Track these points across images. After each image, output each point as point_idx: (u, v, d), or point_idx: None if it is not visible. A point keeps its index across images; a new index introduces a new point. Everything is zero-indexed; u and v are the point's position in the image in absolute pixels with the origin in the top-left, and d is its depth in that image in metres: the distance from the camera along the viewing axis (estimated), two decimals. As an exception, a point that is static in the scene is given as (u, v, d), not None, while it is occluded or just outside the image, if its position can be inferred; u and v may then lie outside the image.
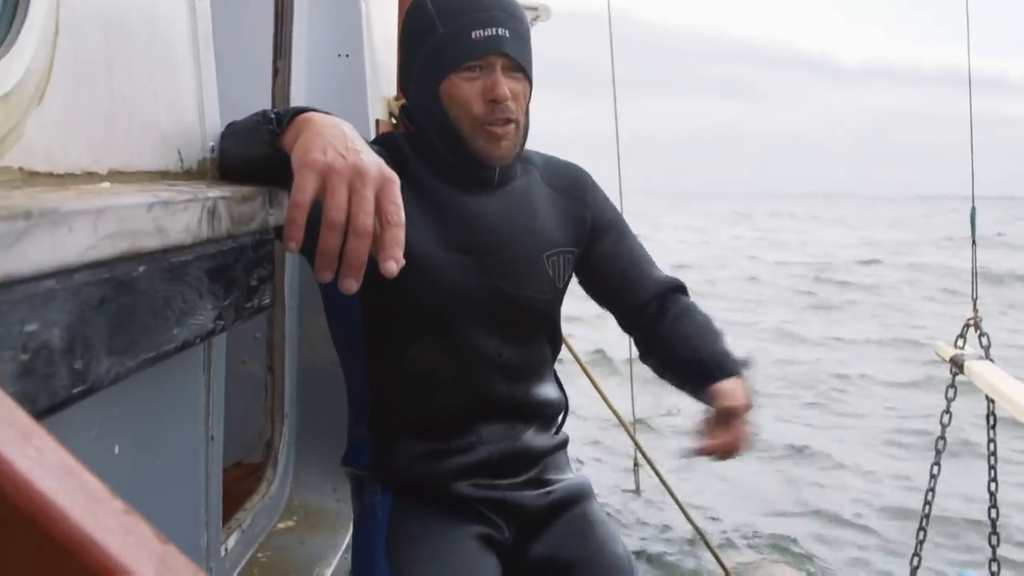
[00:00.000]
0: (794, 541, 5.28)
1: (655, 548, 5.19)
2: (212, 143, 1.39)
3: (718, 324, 1.98)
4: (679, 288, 2.03)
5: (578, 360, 4.13)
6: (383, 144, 1.85)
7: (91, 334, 0.85)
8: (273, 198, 1.34)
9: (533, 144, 1.95)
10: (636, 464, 5.84)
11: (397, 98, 2.78)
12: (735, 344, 1.92)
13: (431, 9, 1.79)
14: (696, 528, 4.06)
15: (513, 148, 1.81)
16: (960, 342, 3.82)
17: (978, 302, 3.79)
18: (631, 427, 4.56)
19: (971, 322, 3.80)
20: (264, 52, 2.48)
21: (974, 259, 3.97)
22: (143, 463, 1.20)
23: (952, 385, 3.75)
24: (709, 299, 15.54)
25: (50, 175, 0.96)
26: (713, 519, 5.51)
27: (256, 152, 1.35)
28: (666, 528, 5.44)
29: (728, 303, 15.56)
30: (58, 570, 0.57)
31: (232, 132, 1.42)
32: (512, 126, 1.78)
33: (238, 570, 2.16)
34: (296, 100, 2.44)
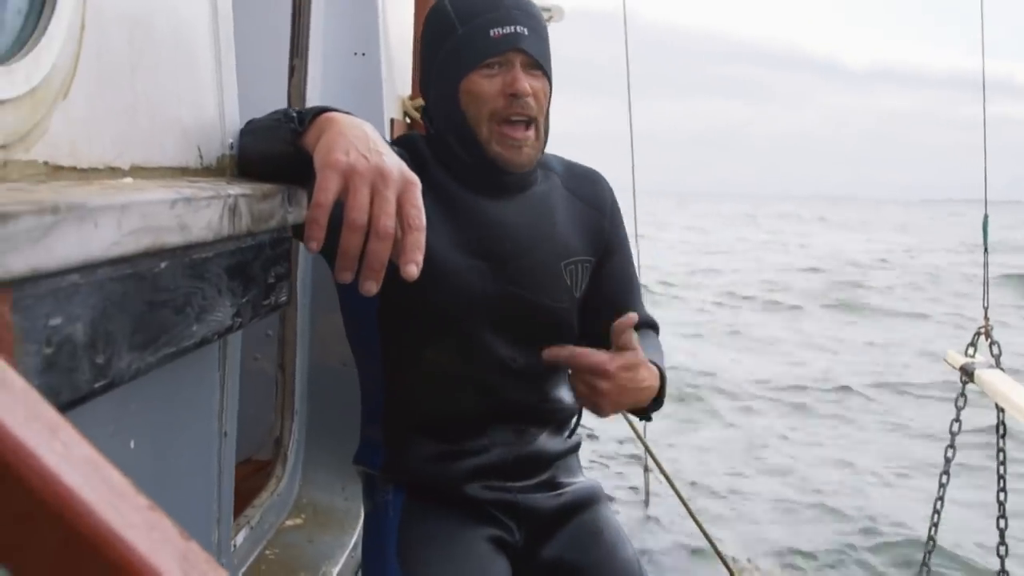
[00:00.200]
0: (811, 556, 5.26)
1: (664, 556, 5.18)
2: (231, 140, 1.40)
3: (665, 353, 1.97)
4: (652, 326, 2.04)
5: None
6: (402, 145, 1.85)
7: (113, 329, 0.85)
8: (292, 196, 1.34)
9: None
10: (646, 469, 5.82)
11: (412, 97, 2.79)
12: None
13: (450, 10, 1.79)
14: (707, 536, 4.05)
15: (534, 154, 1.81)
16: (971, 350, 3.82)
17: (995, 309, 3.78)
18: (642, 433, 4.55)
19: (982, 330, 3.80)
20: (281, 50, 2.48)
21: (986, 267, 3.97)
22: (158, 458, 1.20)
23: (962, 394, 3.75)
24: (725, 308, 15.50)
25: (74, 169, 0.97)
26: (725, 529, 5.49)
27: (276, 150, 1.35)
28: (675, 535, 5.44)
29: (746, 309, 15.48)
30: (83, 565, 0.57)
31: (252, 129, 1.42)
32: (532, 131, 1.78)
33: (246, 567, 2.17)
34: (312, 98, 2.44)
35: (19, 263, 0.69)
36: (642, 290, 2.06)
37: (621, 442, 6.95)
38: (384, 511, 1.86)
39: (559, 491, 1.92)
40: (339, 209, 1.22)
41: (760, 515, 5.92)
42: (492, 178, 1.83)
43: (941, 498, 3.78)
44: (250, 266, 1.21)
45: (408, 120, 2.74)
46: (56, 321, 0.76)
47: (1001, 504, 3.60)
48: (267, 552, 2.30)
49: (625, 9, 5.14)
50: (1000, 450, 3.67)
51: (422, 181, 1.29)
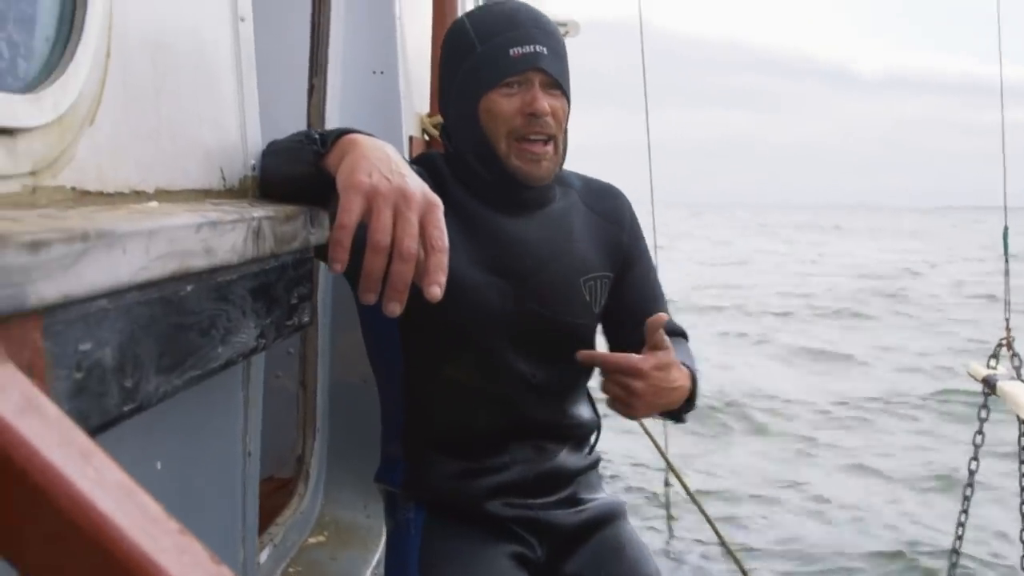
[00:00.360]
0: (833, 572, 5.23)
1: (685, 572, 5.16)
2: (253, 161, 1.41)
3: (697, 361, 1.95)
4: (681, 334, 2.03)
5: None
6: (422, 164, 1.86)
7: (141, 353, 0.86)
8: (314, 217, 1.35)
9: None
10: (667, 484, 5.80)
11: (430, 115, 2.80)
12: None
13: (469, 29, 1.80)
14: (730, 552, 4.03)
15: (552, 168, 1.82)
16: (992, 362, 3.80)
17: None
18: (664, 449, 4.54)
19: (1004, 342, 3.78)
20: (300, 69, 2.50)
21: (1007, 278, 3.95)
22: (183, 478, 1.21)
23: (984, 405, 3.73)
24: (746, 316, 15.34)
25: (100, 194, 0.98)
26: (748, 549, 5.44)
27: (298, 171, 1.36)
28: (697, 549, 5.41)
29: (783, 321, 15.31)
30: (116, 589, 0.58)
31: (274, 151, 1.43)
32: (550, 146, 1.79)
33: (269, 584, 2.17)
34: (331, 117, 2.45)
35: (50, 290, 0.70)
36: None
37: (636, 465, 6.91)
38: (406, 529, 1.86)
39: (580, 507, 1.92)
40: (362, 231, 1.23)
41: (787, 530, 5.87)
42: (511, 194, 1.84)
43: (966, 511, 3.76)
44: (274, 287, 1.22)
45: (427, 137, 2.75)
46: (86, 346, 0.77)
47: (1024, 516, 3.58)
48: (290, 570, 2.30)
49: (641, 24, 5.16)
50: (1022, 462, 3.65)
51: (442, 199, 1.29)
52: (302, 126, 2.38)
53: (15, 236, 0.66)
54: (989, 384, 3.61)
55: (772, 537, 5.74)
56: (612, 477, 6.46)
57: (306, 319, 1.39)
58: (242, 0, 1.39)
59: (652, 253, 2.11)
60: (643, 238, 2.04)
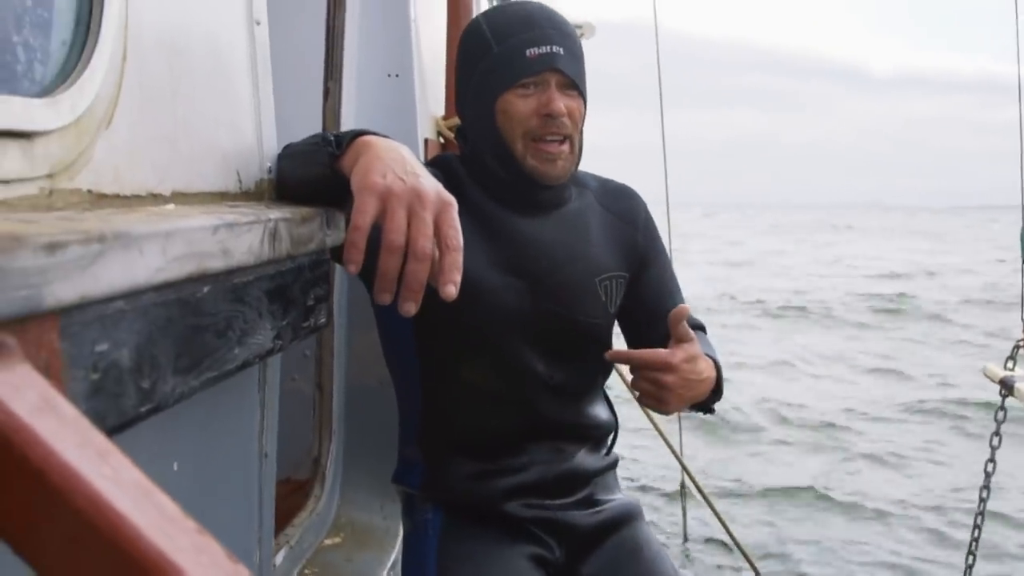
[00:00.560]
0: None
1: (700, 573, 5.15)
2: (269, 164, 1.41)
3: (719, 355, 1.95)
4: (700, 328, 2.03)
5: (625, 381, 4.11)
6: (438, 166, 1.86)
7: (157, 354, 0.87)
8: (330, 219, 1.36)
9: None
10: (682, 487, 5.77)
11: (445, 117, 2.80)
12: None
13: (486, 30, 1.80)
14: (747, 557, 4.02)
15: (568, 168, 1.82)
16: (1010, 363, 3.77)
17: None
18: (679, 452, 4.52)
19: (1021, 343, 3.75)
20: (315, 73, 2.50)
21: (1024, 280, 3.93)
22: (200, 480, 1.21)
23: (1002, 407, 3.70)
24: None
25: (117, 197, 0.98)
26: (764, 556, 5.41)
27: (314, 173, 1.36)
28: (712, 548, 5.40)
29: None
30: (134, 588, 0.58)
31: (289, 154, 1.44)
32: (566, 146, 1.79)
33: (286, 586, 2.18)
34: (346, 120, 2.46)
35: (67, 291, 0.70)
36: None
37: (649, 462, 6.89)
38: (424, 530, 1.87)
39: (598, 508, 1.92)
40: (377, 231, 1.23)
41: (800, 537, 5.85)
42: (528, 195, 1.84)
43: (982, 513, 3.74)
44: (290, 289, 1.23)
45: (442, 140, 2.76)
46: (103, 347, 0.77)
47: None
48: (306, 571, 2.31)
49: (657, 26, 5.14)
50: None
51: (458, 201, 1.30)
52: (317, 130, 2.39)
53: (32, 237, 0.66)
54: (1006, 386, 3.59)
55: (787, 537, 5.72)
56: (625, 479, 6.45)
57: (323, 321, 1.39)
58: (257, 3, 1.40)
59: (671, 255, 2.11)
60: (659, 238, 2.04)
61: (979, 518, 3.74)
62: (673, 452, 4.26)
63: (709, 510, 4.17)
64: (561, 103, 1.75)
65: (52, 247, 0.68)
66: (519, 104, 1.76)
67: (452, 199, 1.27)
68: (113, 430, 0.80)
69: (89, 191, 0.93)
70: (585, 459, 1.91)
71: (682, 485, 5.78)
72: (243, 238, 1.03)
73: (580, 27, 4.30)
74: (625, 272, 1.94)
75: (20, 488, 0.58)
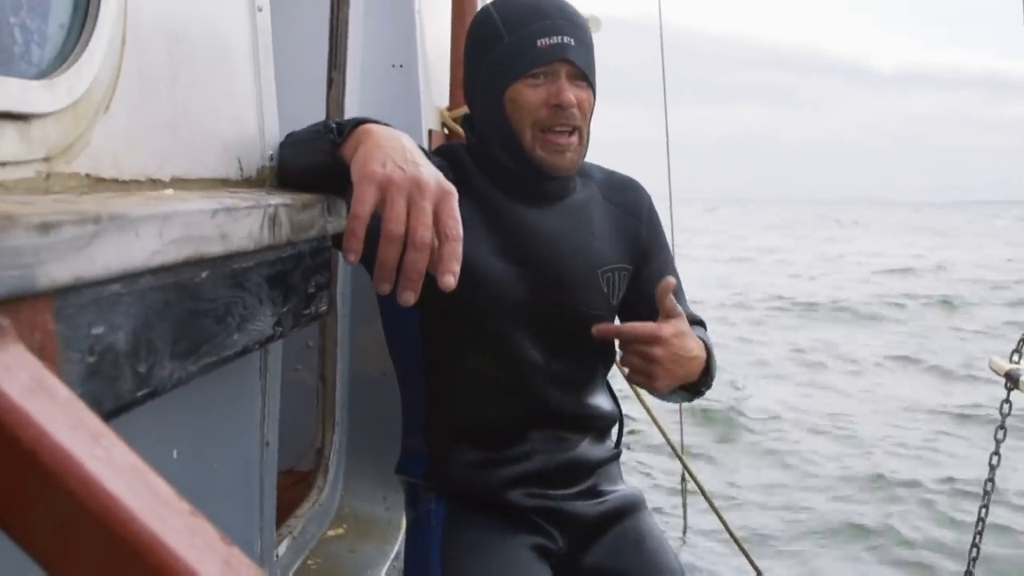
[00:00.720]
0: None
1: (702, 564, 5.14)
2: (271, 152, 1.41)
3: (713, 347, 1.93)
4: (700, 323, 2.02)
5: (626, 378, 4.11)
6: (443, 155, 1.86)
7: (155, 338, 0.86)
8: (332, 206, 1.35)
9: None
10: (683, 480, 5.76)
11: (450, 109, 2.79)
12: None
13: (496, 19, 1.79)
14: (748, 557, 4.00)
15: (576, 159, 1.81)
16: (1016, 357, 3.75)
17: None
18: (680, 449, 4.51)
19: (1028, 337, 3.73)
20: (319, 63, 2.50)
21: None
22: (200, 467, 1.21)
23: (1007, 400, 3.68)
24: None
25: (115, 181, 0.98)
26: (765, 547, 5.38)
27: (315, 161, 1.36)
28: (713, 541, 5.39)
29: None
30: (125, 570, 0.58)
31: (291, 142, 1.43)
32: (575, 137, 1.78)
33: (289, 576, 2.18)
34: (350, 110, 2.46)
35: (62, 272, 0.70)
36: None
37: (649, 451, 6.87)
38: (427, 520, 1.86)
39: (601, 499, 1.92)
40: (377, 220, 1.23)
41: (799, 533, 5.82)
42: (534, 185, 1.83)
43: (986, 506, 3.72)
44: (290, 275, 1.22)
45: (446, 131, 2.75)
46: (99, 330, 0.77)
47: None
48: (309, 562, 2.31)
49: (661, 22, 5.12)
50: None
51: (463, 189, 1.29)
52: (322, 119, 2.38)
53: (25, 217, 0.66)
54: (1012, 379, 3.57)
55: (790, 531, 5.71)
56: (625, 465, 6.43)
57: (324, 308, 1.38)
58: (259, -10, 1.39)
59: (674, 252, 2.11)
60: (662, 232, 2.03)
61: (983, 511, 3.73)
62: (672, 447, 4.25)
63: (710, 507, 4.16)
64: (571, 94, 1.74)
65: (45, 227, 0.67)
66: (529, 94, 1.76)
67: (452, 188, 1.26)
68: (110, 414, 0.79)
69: (87, 175, 0.93)
70: (588, 449, 1.91)
71: (683, 478, 5.77)
72: (242, 223, 1.02)
73: (587, 20, 4.29)
74: (628, 264, 1.94)
75: (11, 470, 0.58)
